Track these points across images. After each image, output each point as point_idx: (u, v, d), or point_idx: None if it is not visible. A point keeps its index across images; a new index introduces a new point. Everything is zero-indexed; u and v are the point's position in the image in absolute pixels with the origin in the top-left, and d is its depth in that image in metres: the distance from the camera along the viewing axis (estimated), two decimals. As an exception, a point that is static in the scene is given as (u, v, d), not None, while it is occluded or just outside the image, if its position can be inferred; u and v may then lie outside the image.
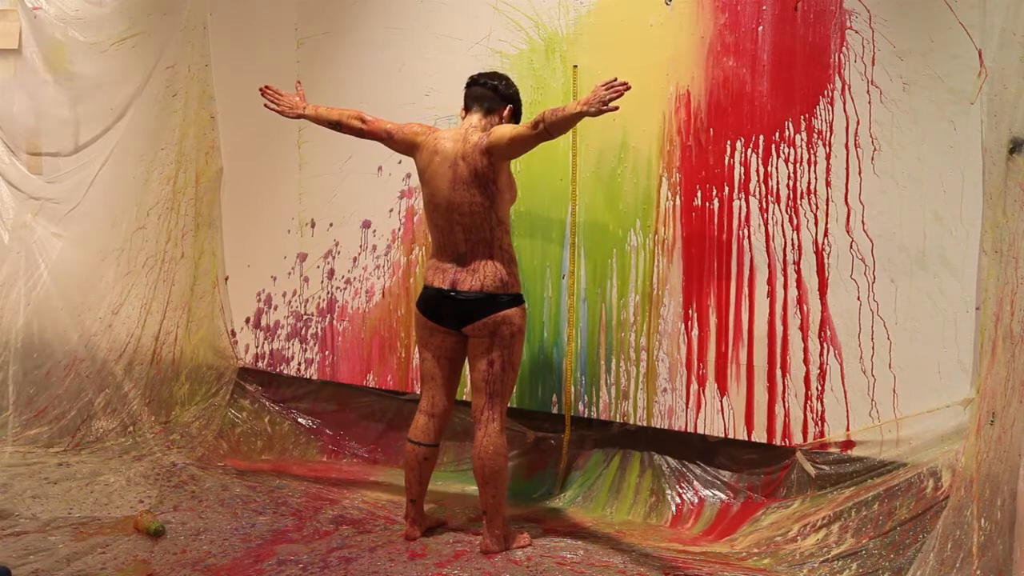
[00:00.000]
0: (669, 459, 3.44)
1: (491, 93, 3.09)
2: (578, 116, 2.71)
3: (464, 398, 3.52)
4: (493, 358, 3.03)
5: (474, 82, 3.14)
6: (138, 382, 4.37)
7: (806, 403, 3.12)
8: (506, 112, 3.10)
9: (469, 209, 2.99)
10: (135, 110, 4.49)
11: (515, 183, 3.15)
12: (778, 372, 3.16)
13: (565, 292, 3.54)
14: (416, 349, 3.86)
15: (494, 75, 3.15)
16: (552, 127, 2.77)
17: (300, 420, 4.27)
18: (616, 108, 2.65)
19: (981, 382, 2.73)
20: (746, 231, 3.19)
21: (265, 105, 3.30)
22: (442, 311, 3.06)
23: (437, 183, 3.03)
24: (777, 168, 3.13)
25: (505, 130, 2.94)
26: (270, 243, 4.29)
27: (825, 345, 3.08)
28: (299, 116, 3.28)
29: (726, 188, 3.22)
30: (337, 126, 3.23)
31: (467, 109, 3.14)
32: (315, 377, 4.23)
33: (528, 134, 2.84)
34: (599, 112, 2.66)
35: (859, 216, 3.00)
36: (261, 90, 3.29)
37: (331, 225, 4.11)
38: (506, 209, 3.06)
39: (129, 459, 3.99)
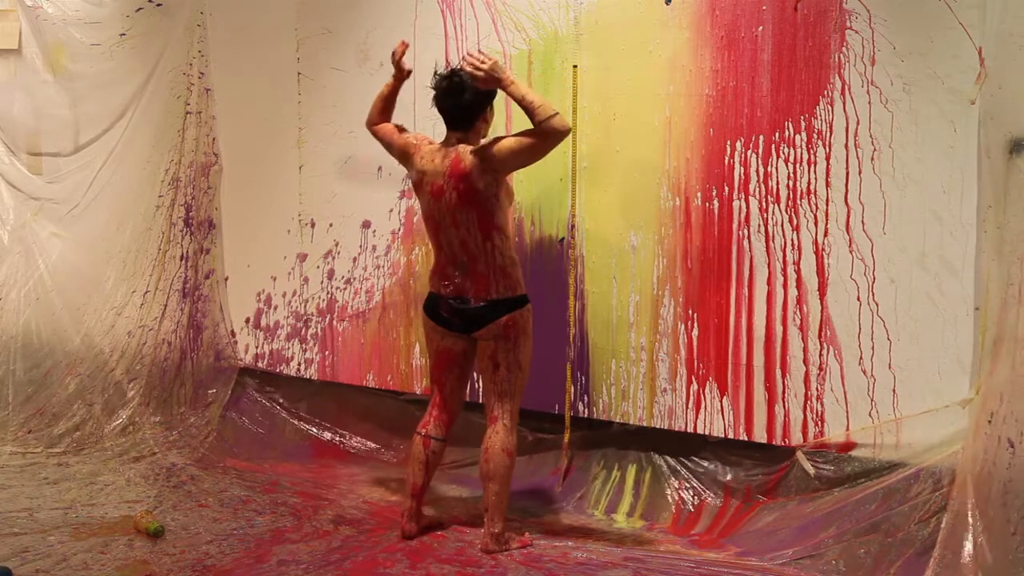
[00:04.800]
0: (669, 459, 3.44)
1: (466, 111, 2.98)
2: (515, 95, 2.83)
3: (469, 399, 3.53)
4: (499, 360, 3.04)
5: (440, 101, 3.01)
6: (138, 382, 4.37)
7: (806, 403, 3.12)
8: (489, 112, 3.05)
9: (466, 223, 2.98)
10: (135, 110, 4.50)
11: (512, 187, 3.15)
12: (778, 372, 3.16)
13: (565, 292, 3.54)
14: (418, 349, 3.88)
15: (455, 90, 2.96)
16: (541, 127, 2.83)
17: (300, 420, 4.27)
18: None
19: (981, 383, 2.73)
20: (746, 231, 3.19)
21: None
22: (449, 318, 3.07)
23: (431, 201, 3.02)
24: (777, 168, 3.13)
25: (508, 145, 2.89)
26: (270, 243, 4.29)
27: (825, 345, 3.07)
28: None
29: (726, 188, 3.21)
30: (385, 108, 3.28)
31: (445, 123, 3.05)
32: (315, 377, 4.23)
33: (532, 141, 2.85)
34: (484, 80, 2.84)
35: (859, 216, 3.00)
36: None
37: (331, 225, 4.11)
38: (505, 216, 3.04)
39: (129, 459, 3.99)
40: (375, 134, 3.29)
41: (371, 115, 3.31)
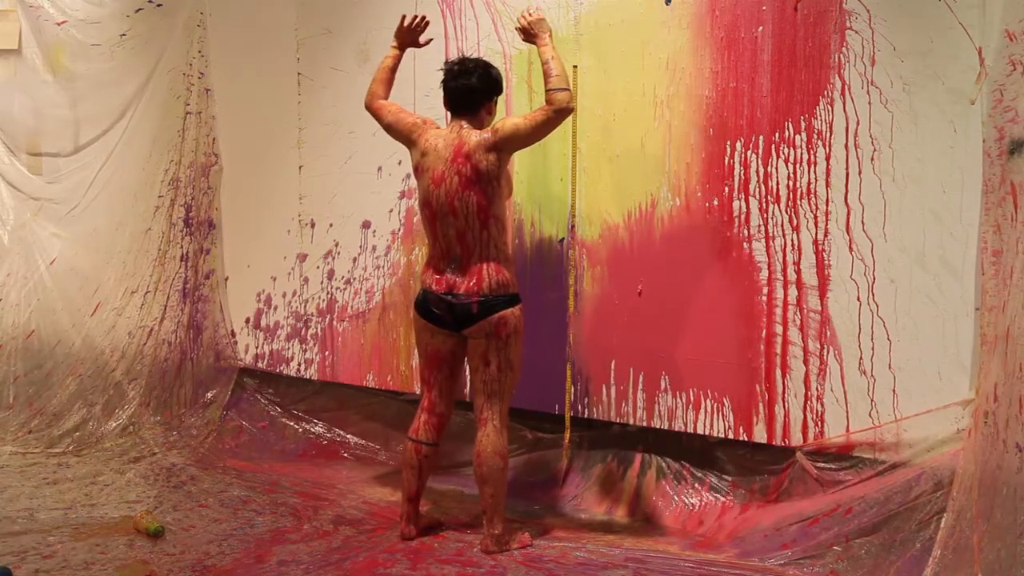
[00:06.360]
0: (669, 460, 3.44)
1: (470, 95, 3.06)
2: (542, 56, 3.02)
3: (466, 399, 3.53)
4: (490, 359, 3.03)
5: (447, 82, 3.09)
6: (138, 382, 4.37)
7: (806, 403, 3.12)
8: (493, 104, 3.11)
9: (464, 210, 2.98)
10: (135, 110, 4.50)
11: (511, 179, 3.16)
12: (778, 372, 3.16)
13: (565, 292, 3.54)
14: (416, 349, 3.87)
15: (466, 72, 3.07)
16: (549, 94, 2.95)
17: (300, 420, 4.27)
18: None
19: (980, 383, 2.73)
20: (746, 231, 3.19)
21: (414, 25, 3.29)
22: (440, 314, 3.06)
23: (430, 187, 3.03)
24: (777, 168, 3.13)
25: (513, 121, 2.98)
26: (270, 243, 4.29)
27: (825, 345, 3.07)
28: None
29: (726, 188, 3.21)
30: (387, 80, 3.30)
31: (450, 110, 3.12)
32: (315, 377, 4.23)
33: (536, 116, 2.96)
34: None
35: (859, 216, 3.00)
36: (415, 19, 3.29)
37: (331, 225, 4.11)
38: (503, 205, 3.06)
39: (128, 459, 3.99)
40: (378, 111, 3.23)
41: (375, 90, 3.25)
